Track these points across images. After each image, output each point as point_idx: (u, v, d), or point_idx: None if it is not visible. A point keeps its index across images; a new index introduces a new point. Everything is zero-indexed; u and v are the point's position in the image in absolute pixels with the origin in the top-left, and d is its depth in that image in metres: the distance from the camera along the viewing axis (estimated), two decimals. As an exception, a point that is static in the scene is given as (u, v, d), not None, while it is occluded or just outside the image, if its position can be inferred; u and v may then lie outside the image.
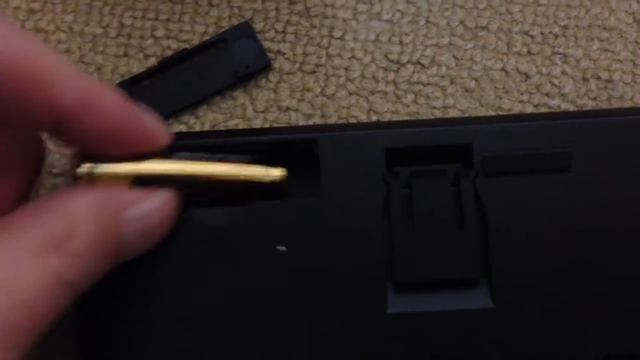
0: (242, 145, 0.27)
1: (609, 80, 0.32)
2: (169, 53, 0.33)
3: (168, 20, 0.33)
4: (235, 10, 0.33)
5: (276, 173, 0.26)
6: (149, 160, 0.25)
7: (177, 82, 0.32)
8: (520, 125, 0.27)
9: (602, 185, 0.26)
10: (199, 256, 0.26)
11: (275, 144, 0.27)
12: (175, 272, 0.26)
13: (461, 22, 0.33)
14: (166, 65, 0.32)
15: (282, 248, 0.26)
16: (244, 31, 0.32)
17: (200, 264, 0.26)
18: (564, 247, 0.26)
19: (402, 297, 0.26)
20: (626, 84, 0.32)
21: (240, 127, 0.32)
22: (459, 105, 0.32)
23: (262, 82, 0.32)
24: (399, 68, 0.32)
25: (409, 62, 0.33)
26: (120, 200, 0.23)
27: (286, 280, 0.26)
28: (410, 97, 0.32)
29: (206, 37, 0.33)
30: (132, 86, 0.31)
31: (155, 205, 0.24)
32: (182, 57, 0.32)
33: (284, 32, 0.33)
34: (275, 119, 0.32)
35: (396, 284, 0.26)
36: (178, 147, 0.26)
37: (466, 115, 0.31)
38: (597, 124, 0.27)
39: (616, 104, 0.31)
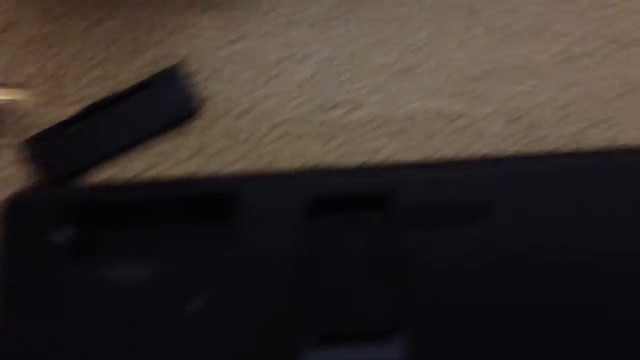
0: (157, 200, 0.27)
1: (534, 123, 0.32)
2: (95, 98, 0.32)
3: (96, 64, 0.33)
4: (165, 53, 0.33)
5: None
6: None
7: (100, 130, 0.31)
8: (444, 172, 0.27)
9: (525, 233, 0.26)
10: (106, 314, 0.26)
11: (193, 196, 0.27)
12: (79, 330, 0.26)
13: (393, 63, 0.33)
14: (90, 112, 0.31)
15: (194, 302, 0.26)
16: (172, 75, 0.32)
17: (109, 322, 0.26)
18: (486, 298, 0.26)
19: (320, 350, 0.26)
20: (551, 125, 0.32)
21: (168, 174, 0.32)
22: (389, 147, 0.32)
23: (191, 127, 0.32)
24: (329, 110, 0.33)
25: (339, 103, 0.33)
26: None
27: (197, 335, 0.26)
28: (340, 140, 0.32)
29: (139, 79, 0.33)
30: (53, 134, 0.31)
31: None
32: (106, 104, 0.32)
33: (213, 75, 0.33)
34: (204, 165, 0.32)
35: (313, 337, 0.26)
36: None
37: (393, 160, 0.31)
38: (519, 170, 0.27)
39: (541, 146, 0.32)
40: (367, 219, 0.27)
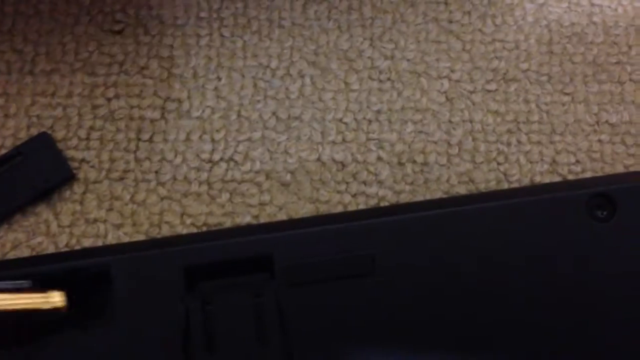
0: (28, 276, 0.25)
1: (425, 163, 0.31)
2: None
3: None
4: (34, 120, 0.31)
5: (57, 299, 0.24)
6: None
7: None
8: (320, 230, 0.26)
9: (409, 286, 0.25)
10: None
11: (64, 271, 0.25)
12: None
13: (273, 113, 0.32)
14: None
15: None
16: (42, 142, 0.31)
17: None
18: (368, 355, 0.25)
19: None
20: (442, 165, 0.31)
21: (45, 245, 0.30)
22: (276, 200, 0.31)
23: (67, 194, 0.30)
24: (211, 167, 0.31)
25: (221, 159, 0.31)
26: None
27: None
28: (225, 197, 0.31)
29: (2, 151, 0.31)
30: None
31: None
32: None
33: (87, 138, 0.31)
34: (82, 232, 0.30)
35: None
36: None
37: (278, 216, 0.30)
38: (398, 222, 0.26)
39: (433, 187, 0.31)
40: (246, 284, 0.26)
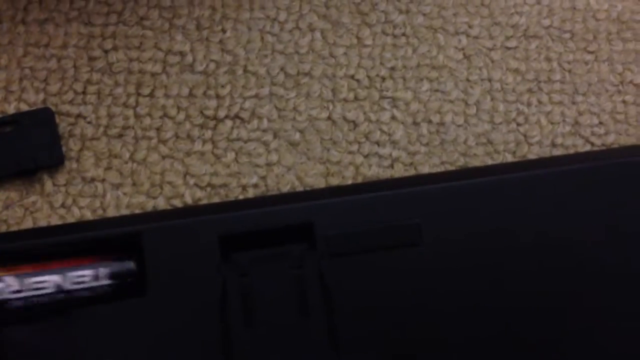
0: (59, 245, 0.24)
1: (441, 124, 0.30)
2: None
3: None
4: (27, 72, 0.29)
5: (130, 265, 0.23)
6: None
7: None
8: (363, 198, 0.25)
9: (455, 255, 0.24)
10: None
11: (94, 241, 0.24)
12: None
13: (282, 69, 0.30)
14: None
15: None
16: (43, 117, 0.29)
17: None
18: (418, 326, 0.23)
19: None
20: (458, 126, 0.30)
21: (39, 204, 0.28)
22: (284, 161, 0.29)
23: (62, 150, 0.29)
24: (216, 124, 0.29)
25: (227, 116, 0.29)
26: None
27: None
28: (230, 156, 0.29)
29: (-6, 104, 0.29)
30: None
31: None
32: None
33: (84, 92, 0.29)
34: (79, 192, 0.28)
35: None
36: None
37: (306, 187, 0.29)
38: (443, 190, 0.25)
39: (449, 148, 0.29)
40: (285, 255, 0.24)
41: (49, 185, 0.28)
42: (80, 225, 0.26)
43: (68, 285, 0.23)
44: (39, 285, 0.23)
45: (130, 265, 0.23)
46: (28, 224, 0.27)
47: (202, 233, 0.24)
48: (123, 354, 0.23)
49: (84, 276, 0.23)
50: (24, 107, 0.29)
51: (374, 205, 0.24)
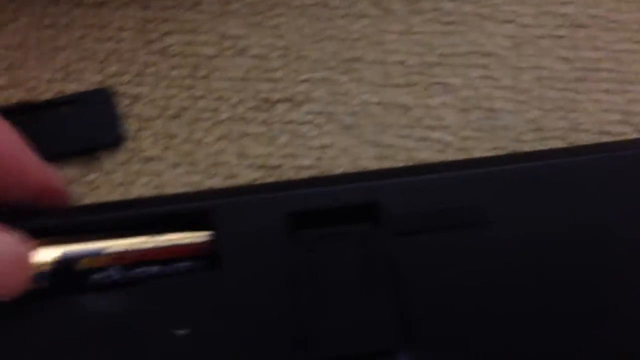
0: (129, 220, 0.24)
1: (491, 110, 0.30)
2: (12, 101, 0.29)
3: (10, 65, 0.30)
4: (86, 53, 0.30)
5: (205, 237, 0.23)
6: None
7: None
8: (429, 178, 0.25)
9: (522, 237, 0.24)
10: (88, 346, 0.23)
11: (165, 216, 0.24)
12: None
13: (334, 54, 0.31)
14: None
15: (181, 331, 0.23)
16: (101, 98, 0.29)
17: (90, 354, 0.23)
18: (488, 306, 0.24)
19: None
20: (509, 112, 0.30)
21: (99, 182, 0.29)
22: (338, 143, 0.30)
23: (121, 129, 0.29)
24: (270, 107, 0.30)
25: (280, 100, 0.30)
26: None
27: None
28: (284, 138, 0.30)
29: (54, 84, 0.29)
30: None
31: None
32: (25, 109, 0.28)
33: (141, 74, 0.30)
34: (138, 170, 0.29)
35: None
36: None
37: (369, 168, 0.29)
38: (507, 172, 0.25)
39: (501, 134, 0.30)
40: (350, 233, 0.25)
41: (108, 163, 0.29)
42: (153, 200, 0.27)
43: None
44: (137, 275, 0.23)
45: (206, 239, 0.24)
46: (90, 200, 0.28)
47: (270, 210, 0.24)
48: (196, 326, 0.23)
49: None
50: (82, 88, 0.30)
51: (440, 186, 0.24)
